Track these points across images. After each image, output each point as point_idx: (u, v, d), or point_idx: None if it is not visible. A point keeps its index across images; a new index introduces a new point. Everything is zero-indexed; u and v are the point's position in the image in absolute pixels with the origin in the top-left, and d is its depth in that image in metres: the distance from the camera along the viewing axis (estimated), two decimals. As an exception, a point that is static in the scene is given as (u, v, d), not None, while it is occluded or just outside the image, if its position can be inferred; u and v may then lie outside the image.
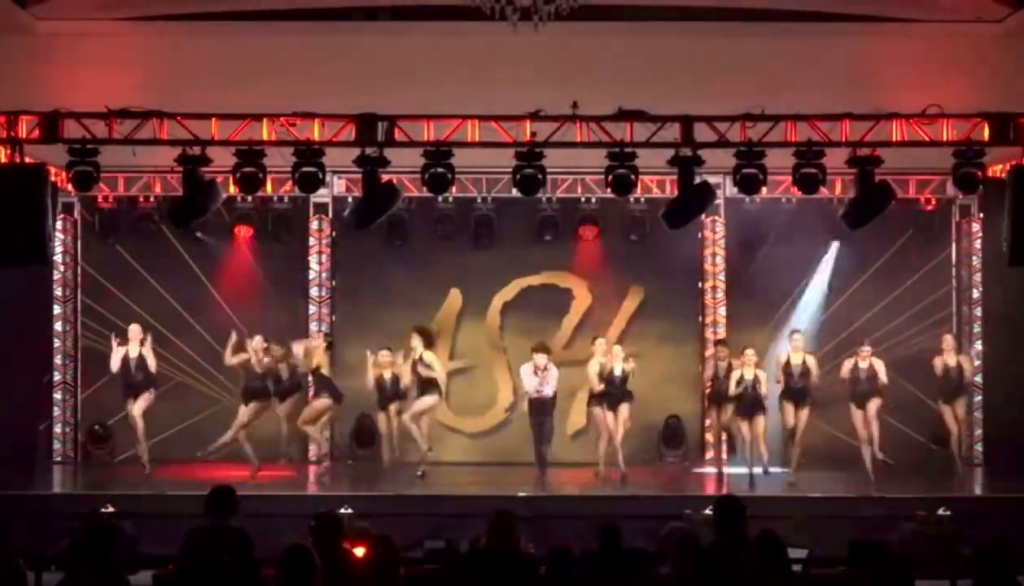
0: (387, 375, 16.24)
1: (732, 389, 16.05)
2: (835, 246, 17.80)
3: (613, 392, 16.12)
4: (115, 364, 16.28)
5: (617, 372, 16.18)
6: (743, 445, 16.34)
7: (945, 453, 16.68)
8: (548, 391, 16.29)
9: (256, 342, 16.29)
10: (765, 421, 16.04)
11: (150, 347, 16.29)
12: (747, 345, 16.39)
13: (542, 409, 16.31)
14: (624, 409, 16.13)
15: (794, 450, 16.07)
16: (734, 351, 16.43)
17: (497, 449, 17.98)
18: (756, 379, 16.05)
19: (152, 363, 16.24)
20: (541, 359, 16.28)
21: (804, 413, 15.98)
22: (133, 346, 16.29)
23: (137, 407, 16.20)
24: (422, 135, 13.78)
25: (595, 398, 16.23)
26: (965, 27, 16.91)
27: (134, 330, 16.45)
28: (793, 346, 16.14)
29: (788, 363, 16.03)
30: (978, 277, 17.83)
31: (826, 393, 16.38)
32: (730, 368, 16.28)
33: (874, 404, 15.91)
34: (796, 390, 15.96)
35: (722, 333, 17.73)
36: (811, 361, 16.02)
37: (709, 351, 17.41)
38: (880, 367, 15.94)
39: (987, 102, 14.11)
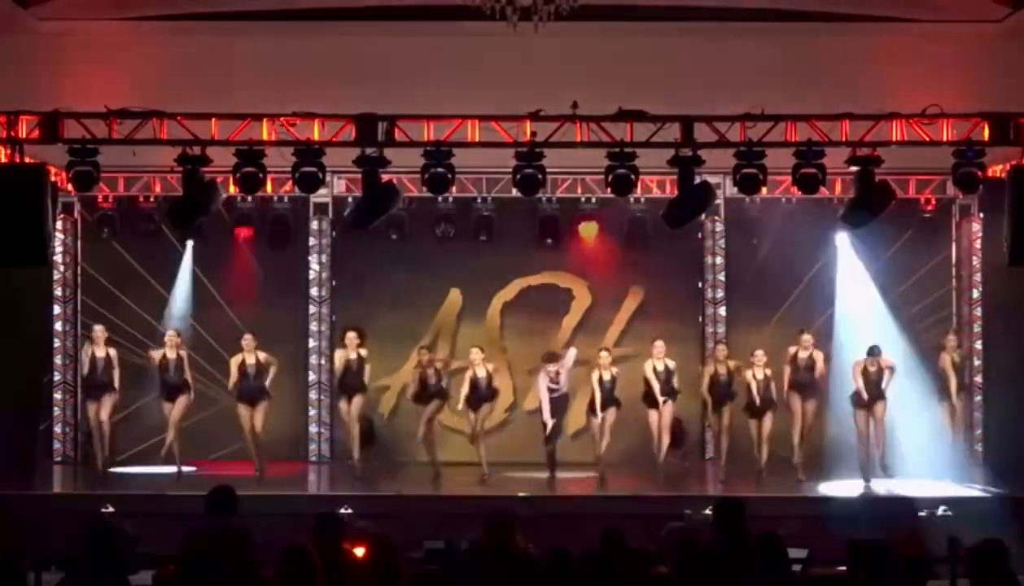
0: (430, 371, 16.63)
1: (739, 389, 16.16)
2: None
3: (606, 398, 16.27)
4: (84, 365, 16.37)
5: (606, 378, 16.26)
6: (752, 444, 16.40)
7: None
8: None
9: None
10: (772, 423, 16.12)
11: (114, 351, 16.37)
12: (746, 345, 16.41)
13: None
14: (611, 413, 16.27)
15: (801, 445, 16.12)
16: (734, 353, 16.48)
17: (498, 449, 17.94)
18: (767, 379, 16.10)
19: (116, 366, 16.26)
20: (570, 356, 16.63)
21: (811, 407, 16.04)
22: (99, 347, 16.30)
23: (103, 412, 16.19)
24: (422, 135, 13.78)
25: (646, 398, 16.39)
26: (965, 27, 16.88)
27: (98, 331, 16.45)
28: (803, 344, 16.17)
29: (796, 357, 16.08)
30: (978, 277, 17.81)
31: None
32: (730, 370, 16.34)
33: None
34: (803, 384, 16.03)
35: (722, 333, 17.76)
36: (818, 356, 16.11)
37: (709, 351, 17.42)
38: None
39: (987, 102, 14.10)
